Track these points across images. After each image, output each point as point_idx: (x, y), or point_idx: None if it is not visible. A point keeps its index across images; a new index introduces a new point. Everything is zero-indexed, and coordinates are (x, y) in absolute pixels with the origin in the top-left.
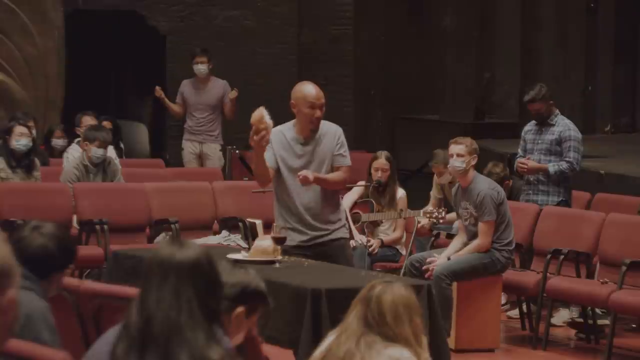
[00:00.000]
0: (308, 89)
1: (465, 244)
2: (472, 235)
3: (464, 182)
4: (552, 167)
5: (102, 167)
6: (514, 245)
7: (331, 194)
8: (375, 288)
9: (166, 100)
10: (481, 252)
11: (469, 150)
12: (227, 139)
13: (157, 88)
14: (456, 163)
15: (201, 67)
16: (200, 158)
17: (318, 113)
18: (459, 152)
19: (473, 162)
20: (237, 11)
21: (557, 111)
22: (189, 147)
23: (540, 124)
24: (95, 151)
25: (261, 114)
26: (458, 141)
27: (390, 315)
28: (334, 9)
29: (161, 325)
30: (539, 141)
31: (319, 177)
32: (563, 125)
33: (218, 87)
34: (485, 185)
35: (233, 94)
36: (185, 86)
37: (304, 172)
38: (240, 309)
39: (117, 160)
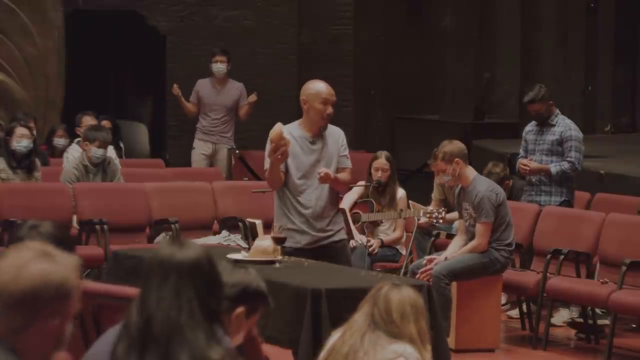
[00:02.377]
0: (320, 86)
1: (466, 245)
2: (473, 236)
3: (464, 183)
4: (554, 168)
5: (102, 167)
6: (514, 245)
7: (335, 194)
8: (383, 288)
9: (182, 98)
10: (478, 252)
11: (447, 159)
12: None
13: (175, 86)
14: (444, 178)
15: (220, 66)
16: (211, 159)
17: (330, 109)
18: (440, 168)
19: (459, 166)
20: (237, 11)
21: (558, 111)
22: (201, 147)
23: (540, 124)
24: (95, 151)
25: (280, 130)
26: (435, 157)
27: (396, 313)
28: (334, 9)
29: (161, 325)
30: (541, 142)
31: (335, 176)
32: (564, 126)
33: (235, 89)
34: (484, 187)
35: (253, 97)
36: (202, 86)
37: (325, 170)
38: (240, 309)
39: (117, 160)
